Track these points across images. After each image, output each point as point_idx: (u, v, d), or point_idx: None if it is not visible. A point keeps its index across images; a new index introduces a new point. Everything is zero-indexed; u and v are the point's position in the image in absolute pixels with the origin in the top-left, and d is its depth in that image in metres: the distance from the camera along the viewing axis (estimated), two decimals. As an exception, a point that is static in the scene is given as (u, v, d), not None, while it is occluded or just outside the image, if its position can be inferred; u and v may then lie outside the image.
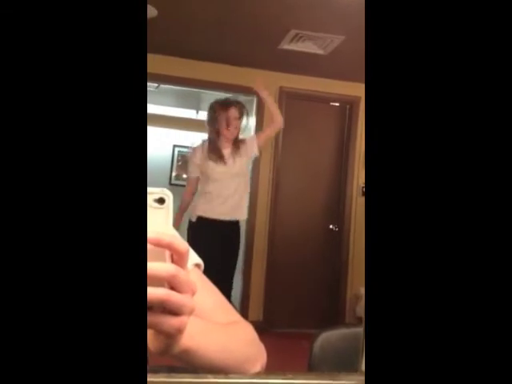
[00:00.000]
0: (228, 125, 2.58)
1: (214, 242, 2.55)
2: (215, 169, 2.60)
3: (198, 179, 2.67)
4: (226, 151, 2.63)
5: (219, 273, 2.57)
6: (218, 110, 2.61)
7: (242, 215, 2.69)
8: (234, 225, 2.66)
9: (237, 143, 2.65)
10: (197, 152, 2.66)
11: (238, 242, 2.73)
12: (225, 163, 2.60)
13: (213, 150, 2.60)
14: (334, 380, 0.38)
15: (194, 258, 0.62)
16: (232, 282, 2.71)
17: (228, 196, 2.60)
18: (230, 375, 0.39)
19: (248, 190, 2.77)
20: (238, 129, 2.64)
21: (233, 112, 2.60)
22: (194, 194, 2.70)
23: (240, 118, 2.62)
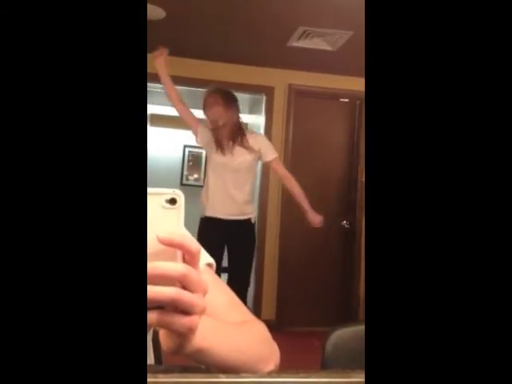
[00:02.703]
0: (208, 111, 2.48)
1: (220, 242, 2.48)
2: (215, 157, 2.51)
3: (198, 122, 2.56)
4: (225, 141, 2.51)
5: (232, 274, 2.49)
6: (204, 97, 2.55)
7: (244, 214, 2.54)
8: (241, 223, 2.53)
9: (238, 135, 2.50)
10: (202, 128, 2.56)
11: (249, 242, 2.59)
12: (223, 154, 2.49)
13: (213, 135, 2.52)
14: (346, 378, 0.38)
15: (205, 257, 0.62)
16: (248, 285, 2.58)
17: (228, 192, 2.48)
18: (242, 374, 0.39)
19: (250, 188, 2.58)
20: (222, 117, 2.47)
21: (212, 98, 2.48)
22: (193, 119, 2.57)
23: (223, 105, 2.47)
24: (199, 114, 2.68)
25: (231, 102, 2.52)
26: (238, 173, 2.50)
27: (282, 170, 2.61)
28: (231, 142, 2.51)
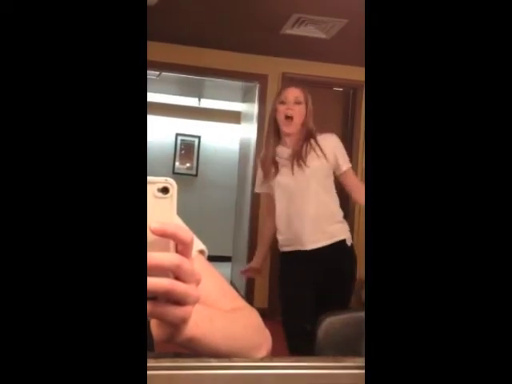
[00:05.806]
0: (286, 111, 1.83)
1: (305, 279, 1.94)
2: (280, 181, 1.89)
3: (269, 196, 1.97)
4: (293, 152, 1.88)
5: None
6: (275, 100, 1.90)
7: (334, 236, 1.93)
8: (333, 250, 1.93)
9: (309, 138, 1.89)
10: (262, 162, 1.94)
11: (346, 269, 1.99)
12: (292, 172, 1.85)
13: (272, 156, 1.89)
14: (337, 363, 0.39)
15: (198, 244, 0.62)
16: None
17: (307, 216, 1.89)
18: (233, 359, 0.39)
19: (335, 200, 2.06)
20: (301, 118, 1.88)
21: (292, 92, 1.87)
22: (271, 215, 2.00)
23: (303, 103, 1.88)
24: (193, 101, 2.60)
25: None
26: (314, 185, 1.98)
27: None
28: (302, 151, 1.94)
